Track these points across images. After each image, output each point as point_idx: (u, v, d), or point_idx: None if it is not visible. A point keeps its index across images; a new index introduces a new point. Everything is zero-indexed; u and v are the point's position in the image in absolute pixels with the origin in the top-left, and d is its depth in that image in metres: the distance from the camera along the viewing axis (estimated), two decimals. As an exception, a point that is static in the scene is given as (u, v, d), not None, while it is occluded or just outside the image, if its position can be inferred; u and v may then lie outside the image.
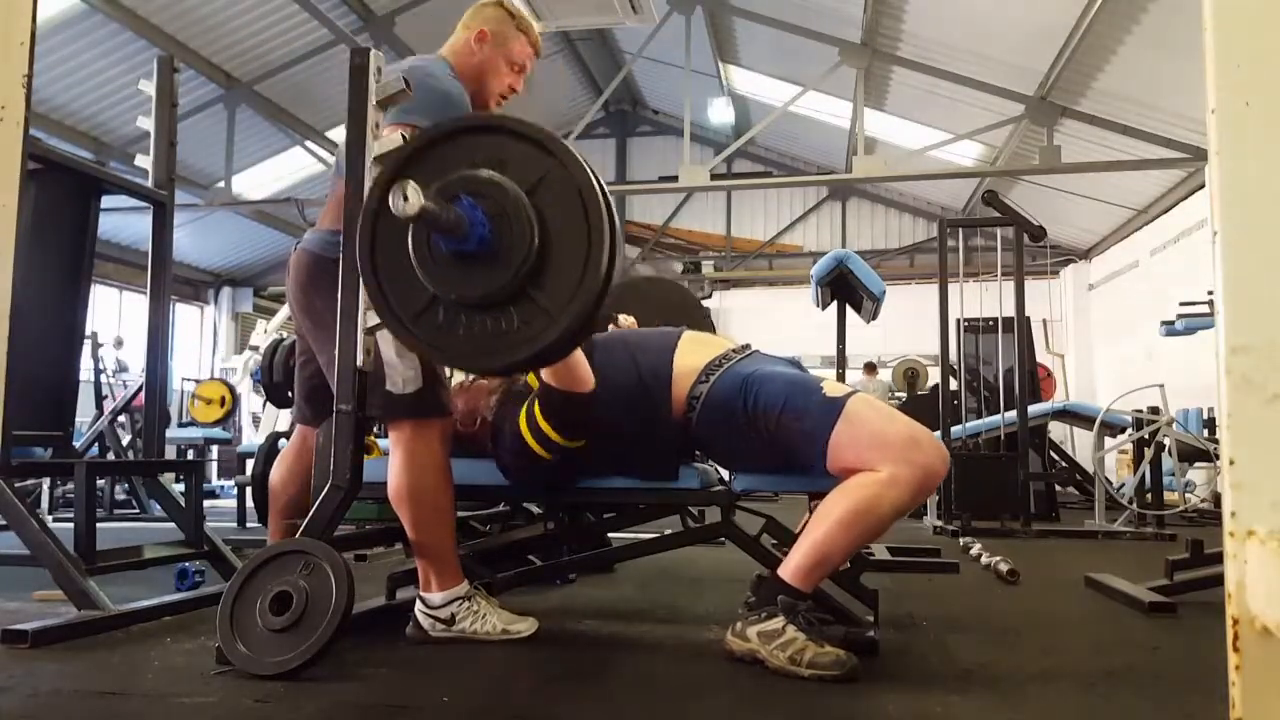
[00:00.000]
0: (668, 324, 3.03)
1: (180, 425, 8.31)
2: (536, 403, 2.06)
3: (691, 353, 2.11)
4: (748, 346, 2.19)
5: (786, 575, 1.86)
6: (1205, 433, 6.89)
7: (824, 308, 4.36)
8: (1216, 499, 5.89)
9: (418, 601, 2.08)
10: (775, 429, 1.95)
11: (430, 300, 1.64)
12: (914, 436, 1.86)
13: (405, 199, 1.44)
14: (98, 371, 6.90)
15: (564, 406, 2.03)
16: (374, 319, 1.89)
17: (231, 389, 8.31)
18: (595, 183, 1.61)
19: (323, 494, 1.91)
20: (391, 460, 2.05)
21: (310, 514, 1.91)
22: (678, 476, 2.13)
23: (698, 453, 2.26)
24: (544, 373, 1.99)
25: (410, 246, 1.62)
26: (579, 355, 1.97)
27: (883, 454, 1.84)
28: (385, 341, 1.99)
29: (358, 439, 1.92)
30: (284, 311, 9.43)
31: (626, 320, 2.84)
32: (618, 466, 2.16)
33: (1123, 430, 6.05)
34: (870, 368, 10.99)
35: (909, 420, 1.94)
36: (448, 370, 2.19)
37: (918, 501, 1.90)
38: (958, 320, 6.06)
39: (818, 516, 1.86)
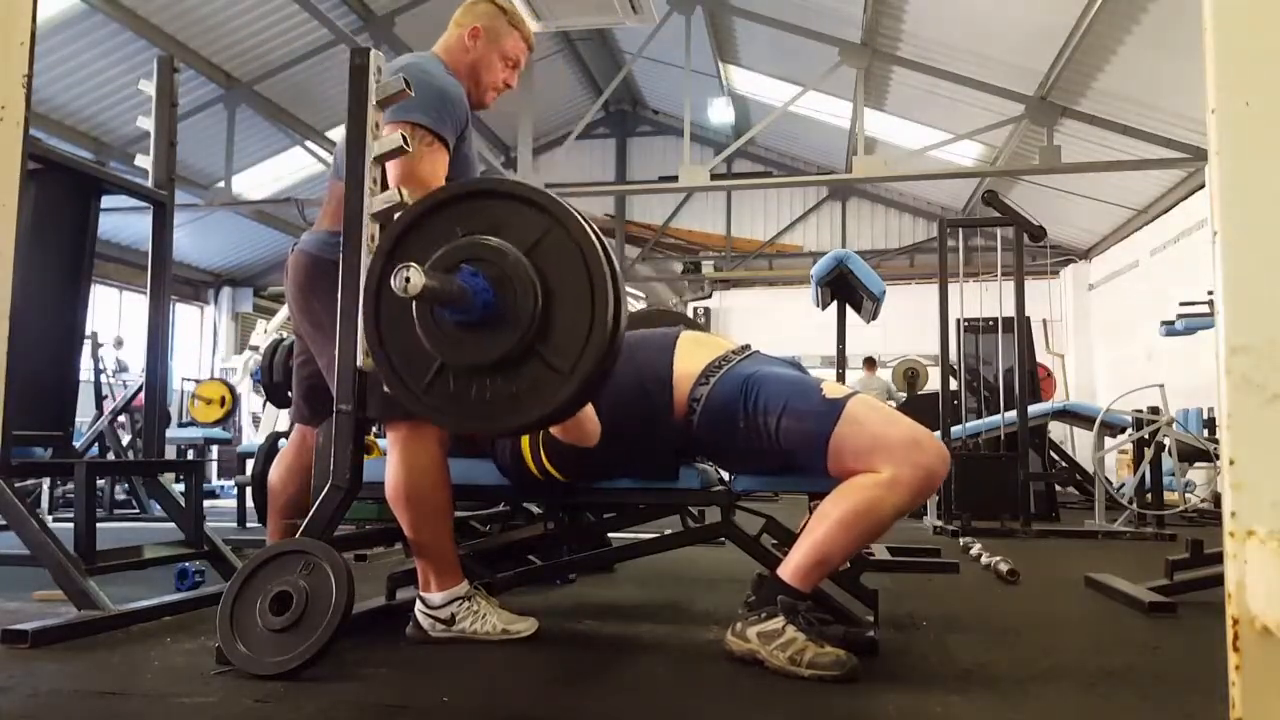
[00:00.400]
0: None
1: (180, 425, 8.31)
2: (541, 441, 2.08)
3: (691, 354, 2.11)
4: (747, 347, 2.19)
5: (786, 575, 1.86)
6: (1205, 433, 6.89)
7: (824, 308, 4.36)
8: (1216, 499, 5.89)
9: (418, 601, 2.08)
10: (776, 431, 1.95)
11: (439, 368, 1.65)
12: (915, 438, 1.86)
13: (408, 280, 1.45)
14: (98, 371, 6.90)
15: (566, 455, 2.06)
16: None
17: (231, 389, 8.30)
18: (594, 237, 1.61)
19: (323, 494, 1.91)
20: (388, 461, 2.05)
21: (310, 514, 1.91)
22: (678, 477, 2.13)
23: (698, 455, 2.25)
24: (553, 428, 1.99)
25: (415, 317, 1.63)
26: (588, 411, 1.97)
27: (884, 456, 1.84)
28: None
29: (358, 439, 1.92)
30: (284, 311, 9.42)
31: None
32: (618, 468, 2.16)
33: (1123, 430, 6.05)
34: (870, 363, 10.98)
35: (910, 421, 1.94)
36: None
37: (918, 502, 1.90)
38: (958, 320, 6.06)
39: (818, 517, 1.86)
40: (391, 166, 1.97)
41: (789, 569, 1.87)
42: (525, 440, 2.11)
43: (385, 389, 1.94)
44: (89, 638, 2.10)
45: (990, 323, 6.99)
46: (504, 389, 1.62)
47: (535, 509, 2.89)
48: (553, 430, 2.00)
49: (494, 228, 1.62)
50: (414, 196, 1.83)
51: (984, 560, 3.51)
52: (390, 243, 1.69)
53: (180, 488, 2.85)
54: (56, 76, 8.86)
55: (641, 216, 15.81)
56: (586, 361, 1.58)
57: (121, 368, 8.51)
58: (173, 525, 2.83)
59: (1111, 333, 12.28)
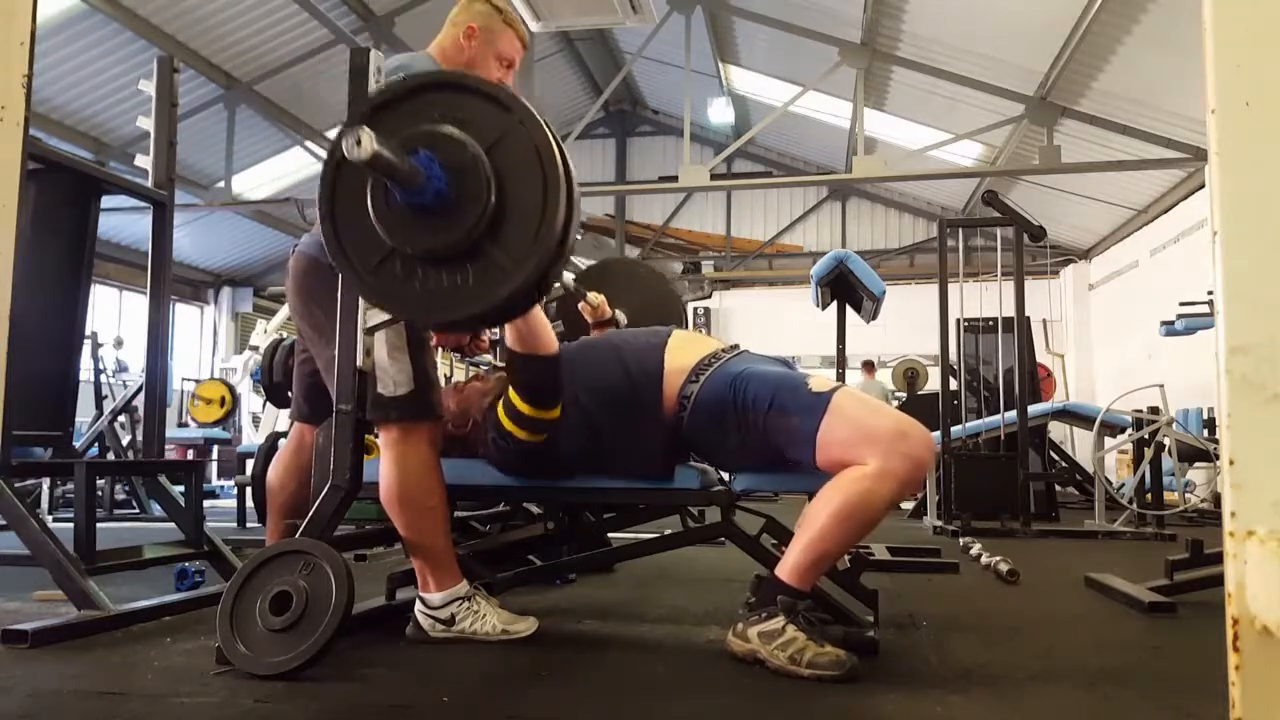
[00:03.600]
0: (640, 309, 3.04)
1: (178, 427, 8.31)
2: (509, 387, 2.09)
3: (681, 352, 2.12)
4: (736, 346, 2.20)
5: (784, 575, 1.86)
6: (1205, 433, 6.89)
7: (824, 308, 4.36)
8: (1216, 499, 5.89)
9: (417, 602, 2.08)
10: (764, 427, 1.96)
11: (388, 253, 1.65)
12: (900, 428, 1.87)
13: (358, 143, 1.44)
14: (98, 371, 6.90)
15: (528, 371, 2.05)
16: (374, 318, 1.89)
17: (231, 389, 8.31)
18: (553, 142, 1.61)
19: (323, 494, 1.91)
20: (382, 463, 2.05)
21: (310, 514, 1.91)
22: (672, 476, 2.13)
23: (688, 452, 2.25)
24: (508, 338, 2.02)
25: (369, 198, 1.63)
26: (539, 317, 2.00)
27: (871, 447, 1.84)
28: (378, 344, 1.99)
29: (357, 439, 1.92)
30: (284, 311, 9.42)
31: (596, 298, 2.84)
32: (611, 467, 2.16)
33: (1123, 430, 6.05)
34: (869, 366, 10.99)
35: (895, 412, 1.96)
36: (439, 372, 2.19)
37: (908, 491, 1.90)
38: (958, 320, 6.06)
39: (810, 514, 1.87)
40: None
41: (786, 568, 1.87)
42: (500, 402, 2.11)
43: (379, 389, 1.95)
44: (89, 638, 2.09)
45: (990, 323, 6.99)
46: (449, 280, 1.62)
47: (535, 509, 2.89)
48: (508, 341, 2.01)
49: (459, 121, 1.62)
50: None
51: (984, 560, 3.51)
52: (355, 121, 1.68)
53: (180, 488, 2.85)
54: (56, 76, 8.86)
55: (641, 216, 15.81)
56: (530, 262, 1.59)
57: (121, 368, 8.52)
58: (173, 525, 2.83)
59: (1111, 333, 12.28)
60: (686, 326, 3.20)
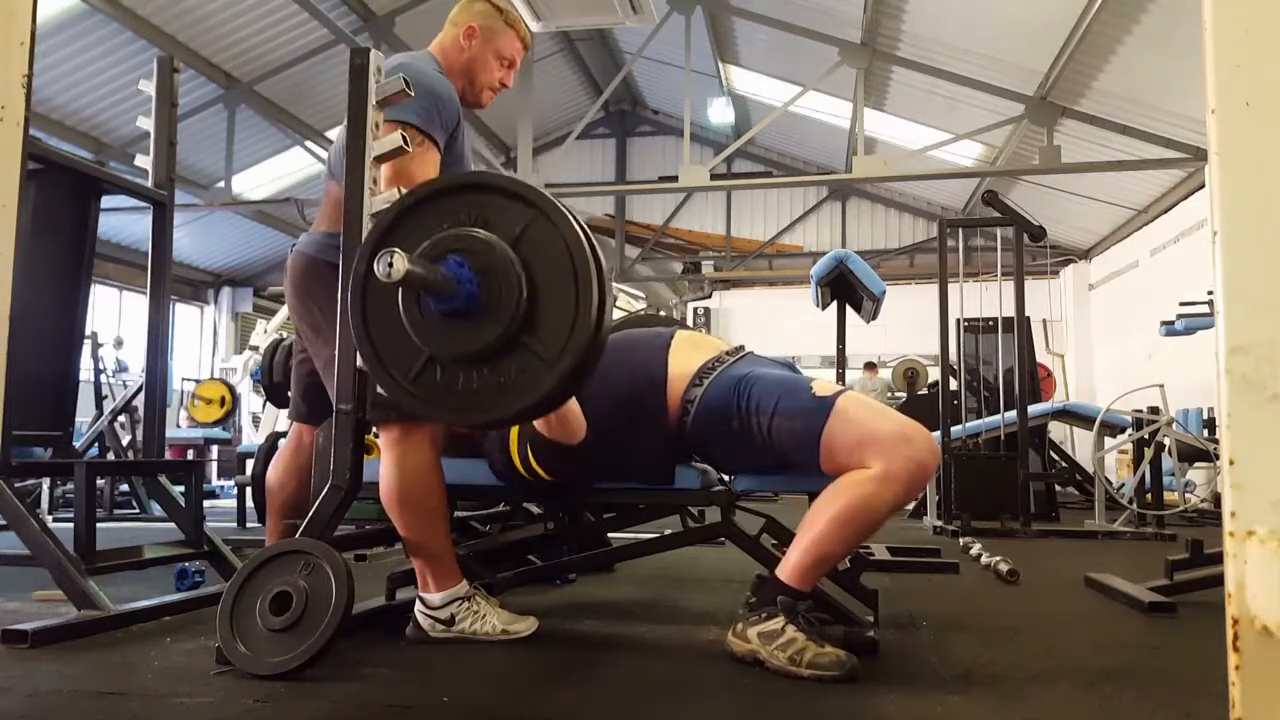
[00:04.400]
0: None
1: (177, 427, 8.31)
2: (528, 442, 2.08)
3: (685, 355, 2.12)
4: (741, 348, 2.19)
5: (785, 575, 1.86)
6: (1205, 433, 6.89)
7: (824, 308, 4.36)
8: (1216, 499, 5.89)
9: (417, 602, 2.08)
10: (769, 431, 1.96)
11: (426, 360, 1.66)
12: (904, 432, 1.87)
13: (391, 265, 1.46)
14: (98, 371, 6.90)
15: (552, 454, 2.06)
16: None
17: (231, 389, 8.31)
18: (578, 229, 1.63)
19: (323, 494, 1.91)
20: (382, 463, 2.05)
21: (310, 514, 1.91)
22: (674, 479, 2.13)
23: (691, 455, 2.26)
24: (538, 424, 1.99)
25: (401, 309, 1.64)
26: (573, 406, 1.97)
27: (874, 450, 1.84)
28: None
29: (357, 439, 1.92)
30: (284, 311, 9.42)
31: None
32: (613, 470, 2.15)
33: (1123, 430, 6.05)
34: (870, 366, 11.01)
35: (899, 415, 1.95)
36: None
37: (911, 496, 1.91)
38: (958, 320, 6.06)
39: (813, 515, 1.86)
40: (384, 167, 1.97)
41: (787, 569, 1.87)
42: (513, 441, 2.11)
43: (378, 389, 1.95)
44: (89, 638, 2.09)
45: (990, 323, 6.99)
46: (490, 379, 1.64)
47: (535, 509, 2.89)
48: (538, 426, 2.00)
49: (481, 220, 1.64)
50: None
51: (984, 560, 3.51)
52: (378, 234, 1.69)
53: (180, 488, 2.85)
54: (56, 76, 8.86)
55: (641, 216, 15.81)
56: (570, 351, 1.59)
57: (121, 368, 8.52)
58: (173, 525, 2.83)
59: (1111, 333, 12.28)
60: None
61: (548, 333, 1.61)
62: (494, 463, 2.20)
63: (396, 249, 1.48)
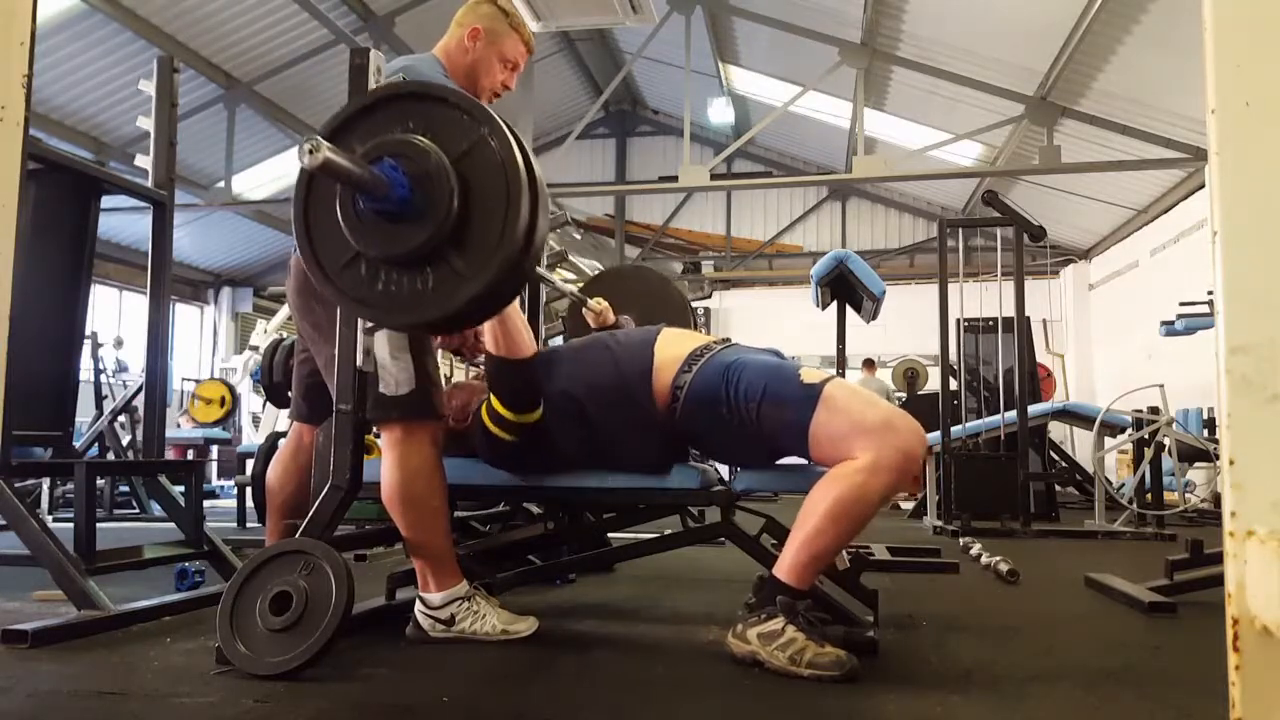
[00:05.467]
0: (647, 314, 3.04)
1: (177, 427, 8.31)
2: (490, 391, 2.12)
3: (672, 344, 2.13)
4: (728, 340, 2.20)
5: (782, 574, 1.86)
6: (1205, 433, 6.89)
7: (824, 308, 4.37)
8: (1216, 499, 5.89)
9: (417, 602, 2.08)
10: (757, 416, 1.96)
11: (353, 256, 1.68)
12: (889, 421, 1.87)
13: (310, 153, 1.47)
14: (98, 371, 6.90)
15: (504, 375, 2.08)
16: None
17: (231, 389, 8.31)
18: (518, 153, 1.64)
19: (322, 494, 1.91)
20: (383, 462, 2.05)
21: (310, 514, 1.91)
22: (668, 471, 2.13)
23: (681, 445, 2.26)
24: (486, 342, 2.06)
25: (338, 204, 1.67)
26: (514, 321, 2.03)
27: (862, 439, 1.84)
28: (380, 343, 1.99)
29: (357, 439, 1.92)
30: (284, 311, 9.43)
31: (599, 304, 2.84)
32: (606, 462, 2.15)
33: (1123, 430, 6.05)
34: (869, 364, 10.99)
35: (885, 404, 1.96)
36: (441, 370, 2.20)
37: (902, 483, 1.90)
38: (958, 320, 6.06)
39: (805, 511, 1.86)
40: None
41: (784, 567, 1.87)
42: (484, 404, 2.15)
43: (380, 389, 1.95)
44: (89, 638, 2.09)
45: (990, 323, 6.99)
46: (409, 285, 1.66)
47: (535, 509, 2.89)
48: (487, 345, 2.06)
49: (430, 131, 1.66)
50: None
51: (984, 560, 3.51)
52: (328, 131, 1.71)
53: (180, 488, 2.85)
54: (56, 76, 8.86)
55: (641, 216, 15.81)
56: (489, 271, 1.62)
57: (121, 368, 8.52)
58: (173, 525, 2.83)
59: (1111, 333, 12.28)
60: (695, 329, 3.19)
61: (471, 250, 1.63)
62: (478, 444, 2.21)
63: (319, 138, 1.49)
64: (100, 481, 5.77)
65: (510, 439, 2.12)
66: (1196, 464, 6.37)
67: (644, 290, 3.13)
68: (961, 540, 4.35)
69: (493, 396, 2.11)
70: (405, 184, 1.59)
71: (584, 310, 2.84)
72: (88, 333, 5.03)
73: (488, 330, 2.05)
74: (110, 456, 6.09)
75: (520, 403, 2.10)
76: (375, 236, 1.64)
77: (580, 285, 2.96)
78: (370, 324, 1.90)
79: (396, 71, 2.03)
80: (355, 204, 1.64)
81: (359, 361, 1.89)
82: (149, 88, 2.95)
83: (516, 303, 2.06)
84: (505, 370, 2.08)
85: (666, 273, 15.65)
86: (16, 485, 2.53)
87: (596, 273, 3.37)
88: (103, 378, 6.87)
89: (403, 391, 2.01)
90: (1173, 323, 7.06)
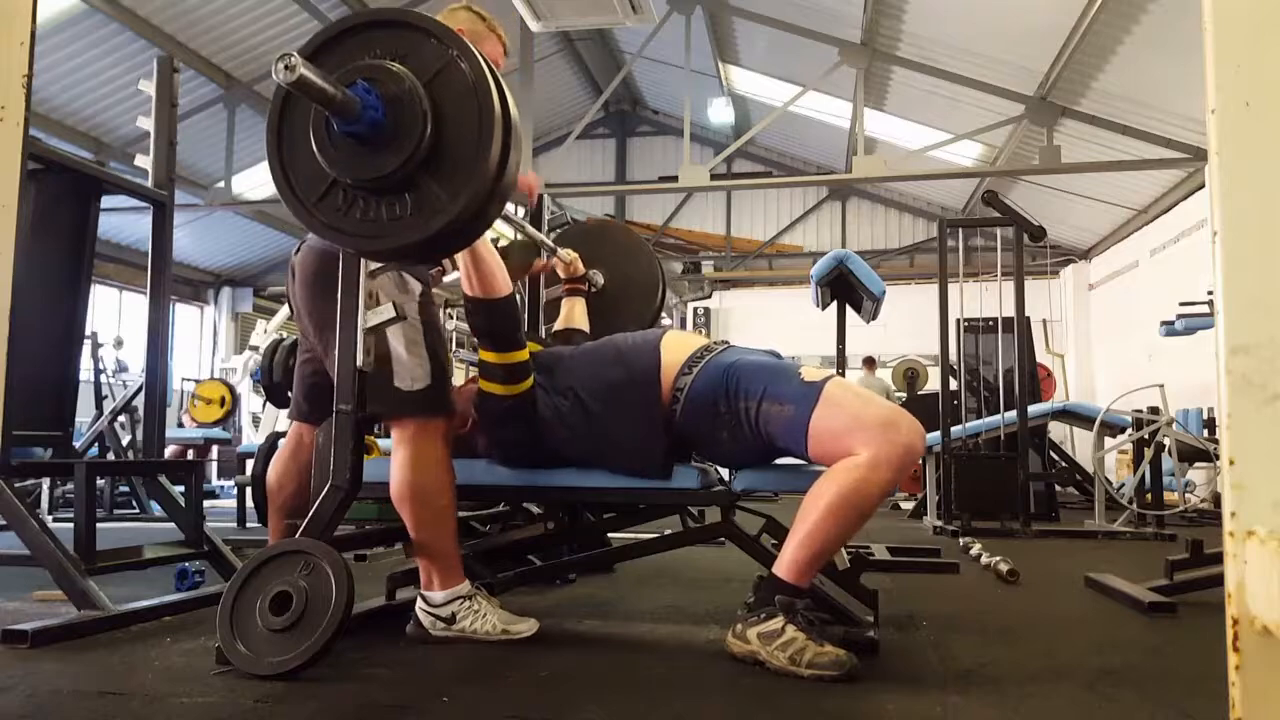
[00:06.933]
0: (618, 269, 3.07)
1: (178, 427, 8.30)
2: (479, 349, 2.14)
3: (674, 348, 2.14)
4: (725, 342, 2.21)
5: (781, 572, 1.86)
6: (1205, 433, 6.89)
7: (824, 308, 4.36)
8: (1216, 499, 5.89)
9: (419, 600, 2.08)
10: (757, 416, 1.97)
11: (330, 184, 1.69)
12: (890, 418, 1.88)
13: (287, 67, 1.47)
14: (98, 371, 6.90)
15: (484, 314, 2.08)
16: (375, 318, 1.89)
17: (231, 389, 8.31)
18: (489, 76, 1.65)
19: (322, 494, 1.91)
20: (394, 459, 2.05)
21: (310, 514, 1.91)
22: (670, 475, 2.13)
23: (681, 447, 2.26)
24: (462, 284, 2.07)
25: (311, 129, 1.67)
26: (488, 258, 2.04)
27: (863, 436, 1.85)
28: (395, 338, 1.99)
29: (357, 439, 1.92)
30: (284, 311, 9.42)
31: (569, 254, 2.84)
32: (610, 462, 2.15)
33: (1123, 430, 6.05)
34: (869, 363, 11.00)
35: (885, 402, 1.97)
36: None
37: (900, 480, 1.91)
38: (958, 320, 6.06)
39: (805, 508, 1.87)
40: None
41: (784, 565, 1.87)
42: (479, 376, 2.16)
43: (393, 385, 1.95)
44: (89, 638, 2.10)
45: (990, 323, 6.99)
46: (386, 211, 1.67)
47: (535, 509, 2.89)
48: (464, 288, 2.06)
49: (401, 56, 1.67)
50: None
51: (984, 560, 3.51)
52: (308, 52, 1.72)
53: (180, 488, 2.85)
54: (56, 76, 8.86)
55: (641, 216, 15.81)
56: (465, 194, 1.62)
57: (121, 368, 8.51)
58: (173, 525, 2.83)
59: (1111, 333, 12.28)
60: (665, 291, 3.22)
61: (447, 174, 1.63)
62: (481, 423, 2.22)
63: (295, 53, 1.50)
64: (100, 481, 5.78)
65: (505, 391, 2.11)
66: (1196, 464, 6.36)
67: (615, 248, 3.14)
68: (961, 540, 4.36)
69: (481, 350, 2.12)
70: (378, 105, 1.60)
71: (554, 261, 2.84)
72: (88, 333, 5.03)
73: (463, 271, 2.05)
74: (110, 456, 6.10)
75: (504, 342, 2.10)
76: (350, 162, 1.64)
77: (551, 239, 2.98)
78: (373, 322, 1.90)
79: None
80: (329, 129, 1.65)
81: (359, 361, 1.89)
82: (149, 88, 2.95)
83: (489, 241, 2.06)
84: (482, 310, 2.08)
85: (667, 273, 15.66)
86: (16, 485, 2.53)
87: (566, 228, 3.38)
88: (103, 378, 6.87)
89: (419, 386, 2.01)
90: (1173, 323, 7.06)
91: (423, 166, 1.63)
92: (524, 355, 2.12)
